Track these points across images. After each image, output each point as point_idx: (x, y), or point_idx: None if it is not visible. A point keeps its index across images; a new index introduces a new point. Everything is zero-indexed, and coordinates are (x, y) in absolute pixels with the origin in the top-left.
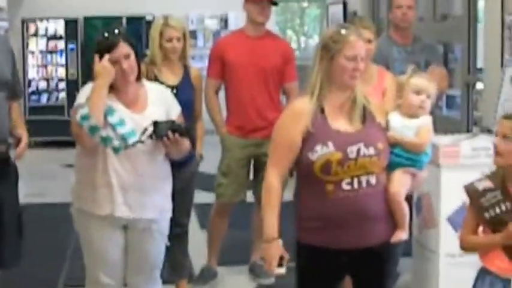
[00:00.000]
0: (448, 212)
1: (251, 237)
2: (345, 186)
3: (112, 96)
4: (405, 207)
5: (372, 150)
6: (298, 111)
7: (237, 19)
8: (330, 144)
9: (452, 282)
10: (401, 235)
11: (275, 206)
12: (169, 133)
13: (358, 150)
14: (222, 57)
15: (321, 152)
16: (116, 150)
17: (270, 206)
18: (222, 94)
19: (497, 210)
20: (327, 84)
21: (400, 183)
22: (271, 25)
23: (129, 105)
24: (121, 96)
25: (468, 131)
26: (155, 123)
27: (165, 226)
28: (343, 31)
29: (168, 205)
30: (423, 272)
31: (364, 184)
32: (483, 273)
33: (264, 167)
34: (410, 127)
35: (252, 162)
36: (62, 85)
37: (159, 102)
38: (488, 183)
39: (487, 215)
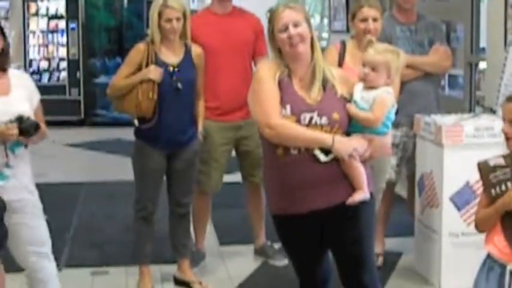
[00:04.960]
0: (450, 191)
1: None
2: (293, 151)
3: None
4: (358, 168)
5: (324, 120)
6: (270, 69)
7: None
8: (288, 107)
9: (454, 262)
10: (358, 196)
11: (303, 127)
12: (32, 130)
13: (311, 119)
14: (194, 38)
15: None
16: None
17: (299, 130)
18: None
19: (504, 187)
20: (283, 60)
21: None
22: (270, 4)
23: None
24: None
25: (471, 110)
26: (20, 120)
27: (37, 200)
28: (274, 8)
29: (32, 186)
30: (426, 251)
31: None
32: (486, 258)
33: (248, 149)
34: (366, 99)
35: (234, 149)
36: (63, 65)
37: (22, 87)
38: (500, 161)
39: (493, 191)
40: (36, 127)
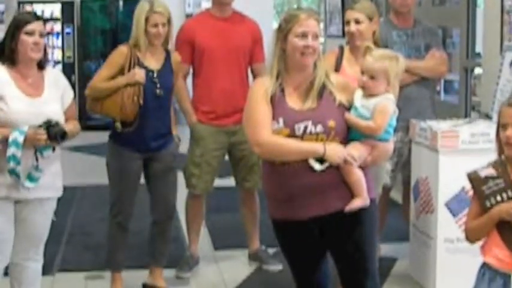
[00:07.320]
0: (446, 197)
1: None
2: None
3: (11, 81)
4: (357, 174)
5: (319, 128)
6: (262, 86)
7: (234, 2)
8: (281, 120)
9: (450, 268)
10: (356, 203)
11: (293, 141)
12: (59, 138)
13: (305, 128)
14: (191, 40)
15: (273, 127)
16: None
17: (289, 145)
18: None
19: (499, 198)
20: (284, 66)
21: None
22: (269, 8)
23: (27, 89)
24: (21, 77)
25: (466, 116)
26: (48, 125)
27: (55, 203)
28: (295, 11)
29: (60, 183)
30: (421, 257)
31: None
32: (483, 269)
33: (242, 155)
34: (367, 107)
35: (227, 154)
36: (59, 67)
37: (54, 86)
38: (491, 171)
39: (487, 203)
40: (62, 135)
